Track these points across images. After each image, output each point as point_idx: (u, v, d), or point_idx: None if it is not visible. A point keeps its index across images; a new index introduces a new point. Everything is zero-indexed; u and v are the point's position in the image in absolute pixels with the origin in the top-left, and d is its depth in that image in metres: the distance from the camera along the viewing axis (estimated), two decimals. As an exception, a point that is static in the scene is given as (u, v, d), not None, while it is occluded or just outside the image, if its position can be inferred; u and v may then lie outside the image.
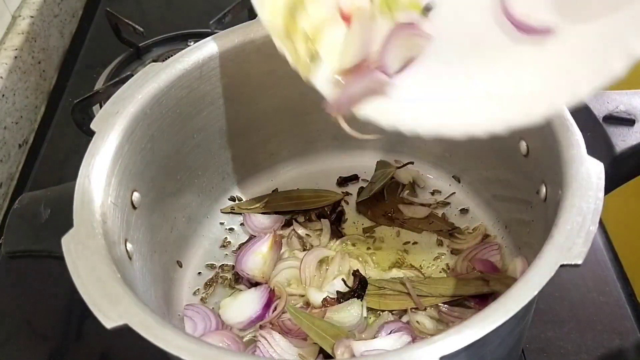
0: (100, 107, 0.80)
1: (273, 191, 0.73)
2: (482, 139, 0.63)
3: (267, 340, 0.57)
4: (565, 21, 0.48)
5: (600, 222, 0.69)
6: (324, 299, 0.61)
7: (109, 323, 0.41)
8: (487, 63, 0.51)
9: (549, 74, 0.48)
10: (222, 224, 0.71)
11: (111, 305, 0.42)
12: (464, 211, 0.70)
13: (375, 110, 0.53)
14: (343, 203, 0.72)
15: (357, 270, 0.62)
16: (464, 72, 0.52)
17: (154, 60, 0.94)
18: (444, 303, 0.60)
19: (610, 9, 0.46)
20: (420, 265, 0.65)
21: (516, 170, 0.60)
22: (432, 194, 0.72)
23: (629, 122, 0.58)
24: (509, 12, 0.50)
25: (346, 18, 0.55)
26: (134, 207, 0.56)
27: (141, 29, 0.95)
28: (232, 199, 0.72)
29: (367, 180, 0.73)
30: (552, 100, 0.48)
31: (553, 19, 0.49)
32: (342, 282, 0.61)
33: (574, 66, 0.47)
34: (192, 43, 0.91)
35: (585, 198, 0.45)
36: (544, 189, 0.54)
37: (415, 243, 0.67)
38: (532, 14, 0.49)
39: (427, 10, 0.54)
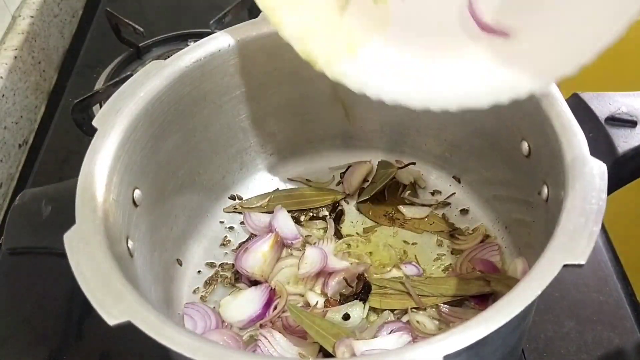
0: (100, 107, 0.79)
1: (274, 190, 0.73)
2: (483, 139, 0.64)
3: (267, 339, 0.56)
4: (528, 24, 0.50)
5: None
6: (325, 300, 0.61)
7: (111, 320, 0.41)
8: (460, 43, 0.53)
9: (527, 52, 0.50)
10: (222, 222, 0.70)
11: (114, 302, 0.42)
12: (464, 212, 0.70)
13: (344, 75, 0.56)
14: (343, 203, 0.72)
15: (362, 274, 0.62)
16: (437, 47, 0.54)
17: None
18: (445, 303, 0.60)
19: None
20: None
21: (517, 171, 0.60)
22: (433, 194, 0.72)
23: (631, 123, 0.59)
24: (474, 12, 0.52)
25: None
26: (135, 205, 0.55)
27: (141, 29, 0.95)
28: (233, 197, 0.72)
29: (368, 180, 0.73)
30: (533, 76, 0.49)
31: (515, 22, 0.50)
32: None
33: (550, 43, 0.48)
34: (192, 43, 0.91)
35: (588, 199, 0.45)
36: (545, 190, 0.54)
37: (415, 244, 0.67)
38: (497, 17, 0.51)
39: None
